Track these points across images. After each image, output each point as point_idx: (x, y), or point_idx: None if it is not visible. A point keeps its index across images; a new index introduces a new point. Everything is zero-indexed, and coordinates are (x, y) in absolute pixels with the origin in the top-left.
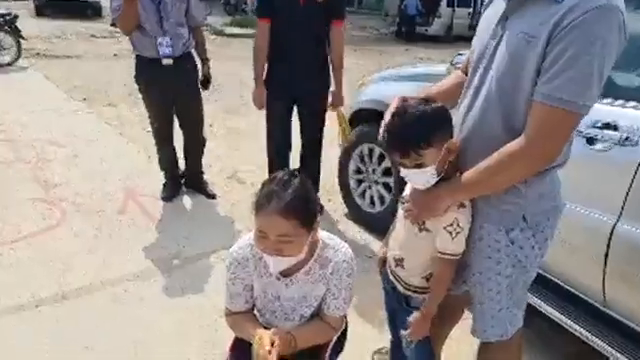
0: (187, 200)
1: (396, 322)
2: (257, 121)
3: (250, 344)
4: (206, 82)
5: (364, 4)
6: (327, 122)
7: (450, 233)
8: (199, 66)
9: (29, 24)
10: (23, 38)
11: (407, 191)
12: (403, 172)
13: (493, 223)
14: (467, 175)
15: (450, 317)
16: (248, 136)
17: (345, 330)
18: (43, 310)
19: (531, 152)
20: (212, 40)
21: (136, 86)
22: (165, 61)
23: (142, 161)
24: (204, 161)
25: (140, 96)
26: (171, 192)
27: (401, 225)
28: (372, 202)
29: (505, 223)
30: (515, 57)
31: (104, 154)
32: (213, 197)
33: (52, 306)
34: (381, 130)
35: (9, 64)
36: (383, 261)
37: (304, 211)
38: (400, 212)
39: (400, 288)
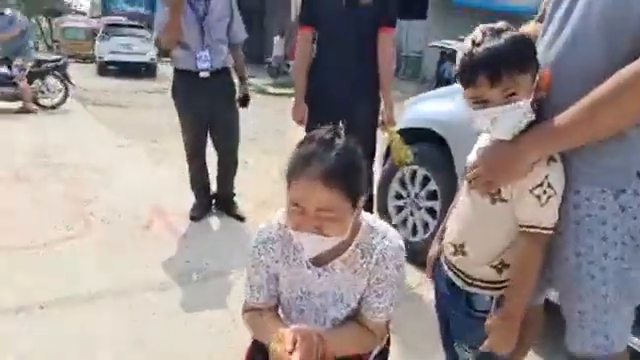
0: (215, 221)
1: (452, 334)
2: None
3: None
4: (245, 100)
5: (403, 72)
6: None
7: (538, 197)
8: (237, 84)
9: (92, 81)
10: (71, 83)
11: (472, 157)
12: (487, 114)
13: (594, 184)
14: (563, 115)
15: (526, 330)
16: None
17: (387, 343)
18: (61, 311)
19: None
20: (256, 97)
21: (179, 128)
22: (202, 73)
23: (175, 186)
24: (237, 189)
25: (179, 133)
26: (200, 212)
27: (464, 202)
28: (414, 230)
29: (612, 183)
30: None
31: (138, 179)
32: (242, 220)
33: (69, 308)
34: (458, 60)
35: (53, 107)
36: (435, 259)
37: (348, 179)
38: (464, 187)
39: (460, 283)
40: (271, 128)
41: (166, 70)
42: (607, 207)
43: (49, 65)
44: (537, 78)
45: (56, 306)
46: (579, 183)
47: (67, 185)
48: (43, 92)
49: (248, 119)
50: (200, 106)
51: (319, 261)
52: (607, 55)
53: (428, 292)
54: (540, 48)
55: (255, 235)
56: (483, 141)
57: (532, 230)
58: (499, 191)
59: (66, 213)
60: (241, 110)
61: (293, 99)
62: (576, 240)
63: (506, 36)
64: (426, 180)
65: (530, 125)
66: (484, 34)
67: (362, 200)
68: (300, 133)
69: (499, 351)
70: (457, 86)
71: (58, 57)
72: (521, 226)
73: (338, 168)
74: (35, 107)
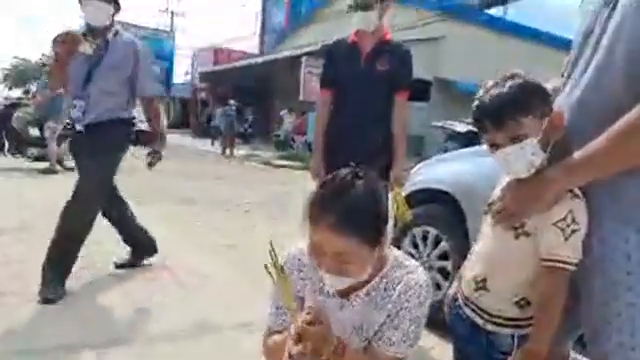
0: (225, 274)
1: None
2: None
3: None
4: (154, 159)
5: (406, 150)
6: None
7: (562, 230)
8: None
9: None
10: None
11: (497, 192)
12: (498, 156)
13: (618, 218)
14: (588, 147)
15: None
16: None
17: None
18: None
19: None
20: (261, 168)
21: (190, 194)
22: (77, 126)
23: (183, 242)
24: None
25: (188, 196)
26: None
27: (487, 238)
28: None
29: (635, 217)
30: None
31: None
32: (123, 267)
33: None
34: (473, 105)
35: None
36: (454, 299)
37: (366, 225)
38: (486, 223)
39: (480, 322)
40: (276, 197)
41: (173, 139)
42: (630, 241)
43: None
44: (551, 117)
45: (63, 350)
46: (603, 217)
47: None
48: (68, 154)
49: (255, 188)
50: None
51: (343, 291)
52: (630, 93)
53: (442, 355)
54: (566, 90)
55: (285, 255)
56: (507, 179)
57: (555, 265)
58: (523, 225)
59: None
60: (247, 180)
61: (296, 171)
62: (602, 275)
63: (512, 82)
64: (437, 240)
65: (549, 163)
66: (494, 82)
67: (384, 238)
68: (303, 203)
69: None
70: (466, 150)
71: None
72: (544, 260)
73: (354, 213)
74: (59, 168)
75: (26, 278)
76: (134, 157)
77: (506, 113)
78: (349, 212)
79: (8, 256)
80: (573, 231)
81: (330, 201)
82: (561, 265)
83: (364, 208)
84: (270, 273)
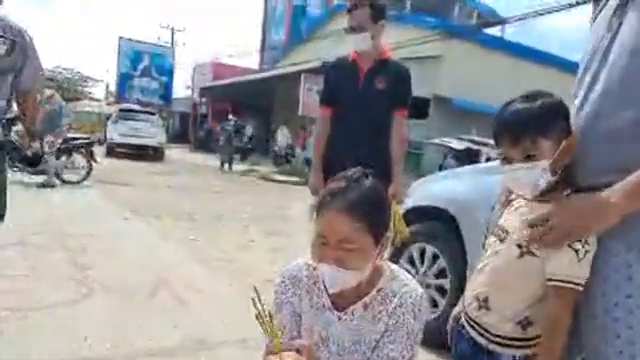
0: (224, 290)
1: None
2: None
3: None
4: (29, 157)
5: (404, 166)
6: None
7: (577, 252)
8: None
9: (100, 161)
10: (95, 161)
11: (503, 220)
12: (507, 171)
13: (621, 241)
14: None
15: None
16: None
17: None
18: None
19: None
20: (259, 183)
21: (187, 209)
22: None
23: (179, 259)
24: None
25: (186, 211)
26: None
27: (492, 254)
28: None
29: (637, 239)
30: None
31: (143, 250)
32: None
33: None
34: (495, 117)
35: (77, 182)
36: (456, 319)
37: (372, 214)
38: (490, 242)
39: (483, 342)
40: (274, 212)
41: (172, 153)
42: (633, 264)
43: (77, 143)
44: (567, 141)
45: None
46: (607, 239)
47: (71, 253)
48: (67, 167)
49: (253, 203)
50: None
51: (340, 304)
52: (634, 115)
53: None
54: (572, 112)
55: (281, 271)
56: (518, 204)
57: (564, 285)
58: (528, 244)
59: (70, 279)
60: (245, 195)
61: (294, 186)
62: (602, 296)
63: (538, 101)
64: (435, 258)
65: (555, 185)
66: (521, 97)
67: (385, 238)
68: (301, 218)
69: None
70: (464, 168)
71: (86, 136)
72: (552, 280)
73: (361, 202)
74: (57, 182)
75: (24, 293)
76: None
77: (525, 131)
78: (358, 199)
79: (8, 271)
80: (587, 252)
81: (341, 190)
82: (572, 285)
83: (372, 199)
84: (259, 321)
